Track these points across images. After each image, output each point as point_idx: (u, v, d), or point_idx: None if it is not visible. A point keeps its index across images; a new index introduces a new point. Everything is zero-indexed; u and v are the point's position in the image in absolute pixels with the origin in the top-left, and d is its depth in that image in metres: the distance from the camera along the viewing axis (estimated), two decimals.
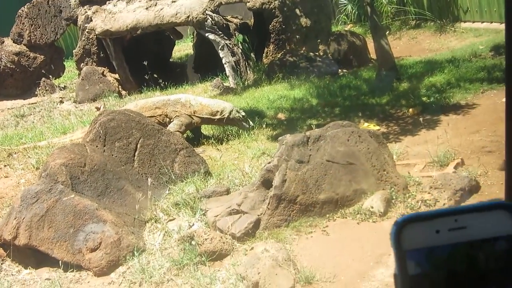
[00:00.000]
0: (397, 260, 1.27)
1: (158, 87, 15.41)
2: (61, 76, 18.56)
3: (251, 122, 10.94)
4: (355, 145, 7.64)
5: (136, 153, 8.68)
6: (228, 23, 15.94)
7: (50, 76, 17.61)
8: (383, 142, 8.05)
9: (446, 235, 1.27)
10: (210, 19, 15.07)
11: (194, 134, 11.32)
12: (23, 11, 17.76)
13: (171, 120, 10.73)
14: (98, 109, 14.39)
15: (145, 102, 11.32)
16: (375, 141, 7.84)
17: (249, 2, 15.48)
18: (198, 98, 11.23)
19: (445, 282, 1.26)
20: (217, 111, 10.76)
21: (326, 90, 13.03)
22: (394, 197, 7.31)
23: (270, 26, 15.68)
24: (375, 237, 6.76)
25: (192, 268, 6.58)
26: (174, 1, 15.64)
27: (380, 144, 7.90)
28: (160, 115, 10.84)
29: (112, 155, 8.55)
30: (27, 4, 17.90)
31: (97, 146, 8.57)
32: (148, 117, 10.39)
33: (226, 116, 10.71)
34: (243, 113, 10.94)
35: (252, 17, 17.16)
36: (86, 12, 16.69)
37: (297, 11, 15.77)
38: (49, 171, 7.81)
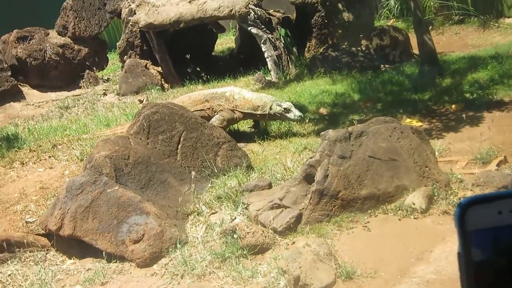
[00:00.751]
0: (461, 240, 1.31)
1: (200, 80, 15.49)
2: (104, 69, 18.71)
3: (297, 112, 10.50)
4: (397, 141, 7.64)
5: (179, 146, 8.76)
6: (271, 17, 15.97)
7: (94, 69, 17.80)
8: (425, 139, 8.03)
9: (508, 216, 1.30)
10: (253, 13, 15.11)
11: (255, 128, 11.36)
12: (68, 3, 17.96)
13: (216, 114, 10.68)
14: (141, 101, 14.51)
15: (197, 95, 11.25)
16: (418, 137, 7.84)
17: None
18: (243, 92, 10.97)
19: (510, 269, 1.30)
20: (258, 106, 10.56)
21: (368, 86, 13.00)
22: (436, 194, 7.30)
23: (313, 20, 15.70)
24: (416, 233, 6.77)
25: (234, 261, 6.65)
26: None
27: (423, 141, 7.89)
28: (209, 108, 10.76)
29: (156, 147, 8.64)
30: None
31: (140, 139, 8.68)
32: (198, 110, 10.56)
33: (267, 111, 10.49)
34: (285, 105, 10.49)
35: (295, 11, 17.15)
36: (130, 5, 16.82)
37: (340, 5, 15.76)
38: (93, 163, 7.93)
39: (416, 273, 6.09)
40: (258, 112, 10.59)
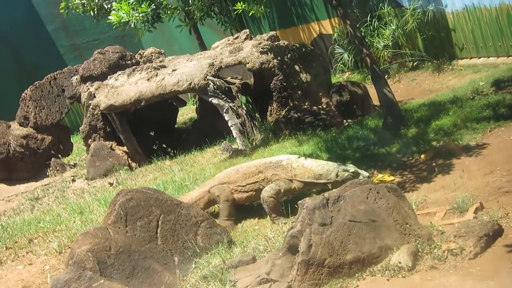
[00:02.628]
0: None
1: (167, 156, 15.51)
2: (69, 154, 18.70)
3: (365, 173, 9.93)
4: (374, 202, 7.72)
5: (158, 230, 8.75)
6: (230, 85, 16.10)
7: (59, 156, 17.77)
8: (401, 195, 8.12)
9: None
10: (212, 84, 15.24)
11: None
12: (26, 94, 17.99)
13: None
14: (111, 184, 14.52)
15: (247, 167, 10.53)
16: (394, 195, 7.93)
17: (248, 63, 15.66)
18: (301, 160, 10.20)
19: None
20: (321, 174, 9.91)
21: (334, 143, 13.12)
22: (420, 250, 7.36)
23: (271, 84, 15.83)
24: None
25: None
26: (175, 70, 15.83)
27: (399, 198, 7.97)
28: (263, 179, 10.16)
29: (135, 235, 8.62)
30: (30, 87, 18.13)
31: (119, 228, 8.65)
32: (251, 183, 10.23)
33: (332, 179, 9.83)
34: (352, 169, 9.89)
35: (253, 77, 17.33)
36: (88, 89, 16.89)
37: (296, 67, 15.94)
38: (75, 259, 7.87)
39: None
40: (321, 181, 9.92)
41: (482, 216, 8.06)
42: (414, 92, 17.35)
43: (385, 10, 19.15)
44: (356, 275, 7.25)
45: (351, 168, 9.93)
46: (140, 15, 11.23)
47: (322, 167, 9.98)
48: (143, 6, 11.23)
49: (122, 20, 11.22)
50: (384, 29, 19.04)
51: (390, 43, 18.90)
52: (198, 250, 8.65)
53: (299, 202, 8.12)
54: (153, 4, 11.47)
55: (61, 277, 7.75)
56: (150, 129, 15.89)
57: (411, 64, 19.21)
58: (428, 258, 7.27)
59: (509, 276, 6.58)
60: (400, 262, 7.15)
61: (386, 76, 17.17)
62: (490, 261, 7.07)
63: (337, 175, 9.81)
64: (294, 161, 10.12)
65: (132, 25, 11.36)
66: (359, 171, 9.89)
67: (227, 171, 10.79)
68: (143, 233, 8.65)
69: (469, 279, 6.76)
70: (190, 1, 12.10)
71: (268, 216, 9.97)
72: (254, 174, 10.26)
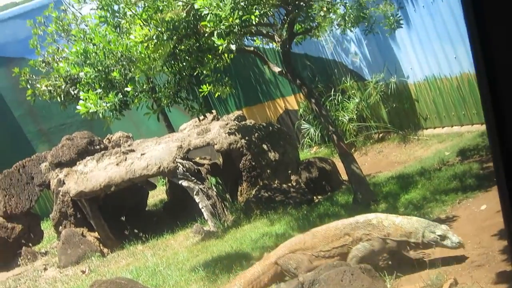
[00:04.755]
0: None
1: (139, 241, 15.47)
2: (40, 242, 18.54)
3: (455, 239, 9.07)
4: (349, 284, 7.79)
5: None
6: (199, 167, 16.20)
7: (30, 244, 17.64)
8: (375, 275, 8.20)
9: None
10: (181, 166, 15.32)
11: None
12: None
13: None
14: (83, 272, 14.43)
15: (329, 230, 9.64)
16: (368, 275, 8.01)
17: (216, 144, 15.81)
18: (391, 217, 9.54)
19: None
20: (411, 233, 9.19)
21: (305, 222, 13.19)
22: None
23: (240, 164, 15.96)
24: None
25: None
26: (144, 154, 15.91)
27: (374, 278, 8.06)
28: (352, 242, 9.36)
29: None
30: None
31: None
32: (337, 247, 9.42)
33: (420, 239, 9.14)
34: (439, 232, 9.08)
35: (221, 157, 17.45)
36: (57, 175, 16.86)
37: (264, 146, 16.11)
38: None
39: None
40: (411, 240, 9.22)
41: None
42: (381, 164, 17.52)
43: (348, 83, 19.51)
44: None
45: (439, 230, 9.12)
46: (108, 104, 11.31)
47: (412, 225, 9.27)
48: (110, 96, 11.33)
49: (90, 111, 11.29)
50: (348, 102, 19.36)
51: (354, 116, 19.20)
52: None
53: (275, 287, 8.17)
54: (120, 94, 11.57)
55: None
56: (121, 214, 15.88)
57: (376, 136, 19.45)
58: None
59: None
60: None
61: (353, 149, 17.40)
62: None
63: (423, 235, 9.13)
64: (384, 219, 9.43)
65: (100, 115, 11.43)
66: (449, 234, 9.11)
67: (299, 238, 9.94)
68: None
69: None
70: (157, 89, 12.21)
71: None
72: (339, 236, 9.46)
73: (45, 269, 16.19)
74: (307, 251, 9.46)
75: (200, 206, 15.27)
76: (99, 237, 16.36)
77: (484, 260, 8.97)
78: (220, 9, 10.22)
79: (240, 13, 10.33)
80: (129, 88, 11.57)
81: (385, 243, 9.27)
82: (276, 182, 15.75)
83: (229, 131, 16.03)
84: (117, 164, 15.99)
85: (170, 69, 11.94)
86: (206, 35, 11.35)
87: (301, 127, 21.04)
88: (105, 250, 16.06)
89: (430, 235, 9.06)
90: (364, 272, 8.03)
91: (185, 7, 11.06)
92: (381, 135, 19.40)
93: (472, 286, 8.20)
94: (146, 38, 10.81)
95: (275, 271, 9.50)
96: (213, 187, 15.71)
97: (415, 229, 9.17)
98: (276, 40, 13.28)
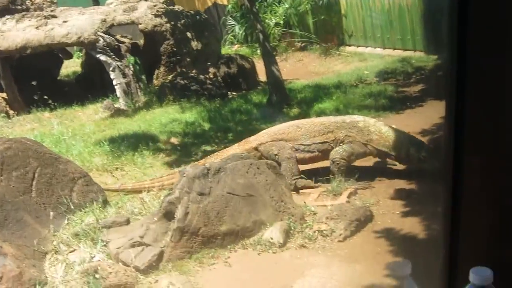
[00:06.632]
0: None
1: (48, 108, 15.22)
2: None
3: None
4: (254, 177, 7.86)
5: (34, 183, 8.58)
6: (120, 44, 15.92)
7: None
8: (279, 173, 8.31)
9: None
10: (102, 40, 15.04)
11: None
12: None
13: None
14: None
15: (313, 124, 9.55)
16: (273, 172, 8.10)
17: (141, 24, 15.55)
18: (379, 125, 9.39)
19: None
20: (394, 146, 9.12)
21: (217, 114, 13.21)
22: (292, 228, 7.57)
23: (161, 48, 15.77)
24: (276, 268, 6.98)
25: None
26: (66, 21, 15.52)
27: (277, 175, 8.15)
28: (333, 140, 9.32)
29: (10, 185, 8.43)
30: None
31: None
32: (317, 143, 9.36)
33: (403, 154, 9.10)
34: (424, 153, 8.89)
35: (143, 38, 17.18)
36: None
37: (188, 34, 15.93)
38: None
39: None
40: (393, 153, 9.22)
41: (355, 201, 8.35)
42: (299, 72, 17.56)
43: None
44: (229, 246, 7.40)
45: (424, 152, 8.93)
46: None
47: (398, 138, 9.17)
48: None
49: None
50: (277, 6, 19.22)
51: (281, 21, 19.10)
52: (73, 207, 8.54)
53: (180, 170, 8.20)
54: None
55: None
56: (33, 79, 15.54)
57: (299, 44, 19.43)
58: (299, 237, 7.49)
59: (375, 261, 6.85)
60: (272, 238, 7.34)
61: (274, 53, 17.36)
62: (358, 245, 7.34)
63: (407, 152, 9.06)
64: (372, 125, 9.31)
65: None
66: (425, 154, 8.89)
67: (282, 127, 9.81)
68: (18, 184, 8.47)
69: (336, 260, 7.01)
70: None
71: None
72: (322, 133, 9.38)
73: None
74: (289, 142, 9.44)
75: (114, 83, 15.07)
76: (7, 98, 16.00)
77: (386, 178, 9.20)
78: None
79: None
80: None
81: (366, 148, 9.23)
82: (194, 71, 15.64)
83: (156, 13, 15.77)
84: (36, 28, 15.56)
85: None
86: None
87: (227, 23, 20.82)
88: (11, 112, 15.73)
89: (414, 154, 8.98)
90: (270, 168, 8.12)
91: None
92: (303, 44, 19.37)
93: (370, 198, 8.41)
94: None
95: (254, 156, 9.36)
96: (131, 66, 15.48)
97: (400, 144, 9.13)
98: None
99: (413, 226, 7.54)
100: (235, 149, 9.67)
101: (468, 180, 1.92)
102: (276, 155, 9.31)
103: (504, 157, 1.88)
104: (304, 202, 8.36)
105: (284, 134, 9.50)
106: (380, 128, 9.26)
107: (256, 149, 9.56)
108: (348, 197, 8.46)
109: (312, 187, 8.97)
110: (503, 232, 1.90)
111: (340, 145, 9.22)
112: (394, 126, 9.74)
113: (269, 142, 9.53)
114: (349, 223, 7.57)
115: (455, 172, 1.95)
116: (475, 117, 1.92)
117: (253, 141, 9.72)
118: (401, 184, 8.90)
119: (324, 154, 9.30)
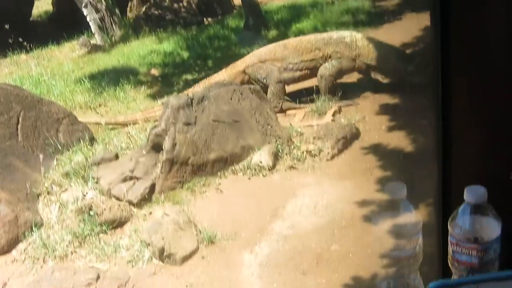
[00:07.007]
0: None
1: (23, 50, 15.06)
2: None
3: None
4: (238, 103, 7.89)
5: (19, 127, 8.56)
6: None
7: None
8: (263, 97, 8.32)
9: None
10: None
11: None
12: None
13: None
14: None
15: (301, 42, 9.42)
16: (257, 96, 8.12)
17: None
18: (366, 40, 9.29)
19: None
20: (382, 59, 9.04)
21: (195, 42, 13.15)
22: (280, 150, 7.63)
23: None
24: (267, 191, 7.06)
25: (95, 239, 6.68)
26: None
27: (262, 99, 8.18)
28: (321, 57, 9.18)
29: None
30: None
31: None
32: (306, 60, 9.24)
33: (390, 68, 9.07)
34: (412, 67, 8.82)
35: None
36: None
37: None
38: None
39: (273, 230, 6.38)
40: (382, 66, 9.16)
41: (340, 119, 8.39)
42: None
43: None
44: (219, 173, 7.46)
45: (411, 66, 8.89)
46: None
47: (386, 51, 9.15)
48: None
49: None
50: None
51: None
52: (60, 147, 8.55)
53: (163, 101, 8.20)
54: None
55: None
56: (4, 21, 15.33)
57: None
58: (287, 158, 7.56)
59: (364, 177, 6.94)
60: (261, 162, 7.40)
61: None
62: (346, 162, 7.42)
63: (395, 65, 9.03)
64: (359, 39, 9.20)
65: None
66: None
67: (269, 47, 9.72)
68: (3, 130, 8.44)
69: (326, 179, 7.09)
70: None
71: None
72: (310, 50, 9.26)
73: None
74: (277, 62, 9.36)
75: (88, 19, 14.92)
76: None
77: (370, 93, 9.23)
78: None
79: None
80: None
81: (354, 63, 9.17)
82: (167, 1, 15.49)
83: None
84: None
85: None
86: None
87: None
88: None
89: (401, 67, 8.96)
90: (253, 93, 8.13)
91: None
92: None
93: (355, 115, 8.45)
94: None
95: (242, 79, 9.44)
96: (103, 1, 15.30)
97: (388, 57, 9.09)
98: None
99: (400, 140, 7.61)
100: (223, 74, 9.67)
101: (456, 98, 1.93)
102: (264, 78, 9.28)
103: (491, 73, 1.89)
104: (290, 124, 8.40)
105: (271, 54, 9.43)
106: (368, 43, 9.18)
107: (244, 72, 9.51)
108: (333, 115, 8.51)
109: (297, 108, 9.01)
110: (495, 150, 1.93)
111: (328, 61, 9.13)
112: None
113: (256, 63, 9.46)
114: (336, 141, 7.63)
115: (443, 89, 1.96)
116: (461, 28, 1.93)
117: (240, 64, 9.66)
118: (386, 99, 8.94)
119: (313, 71, 9.25)
